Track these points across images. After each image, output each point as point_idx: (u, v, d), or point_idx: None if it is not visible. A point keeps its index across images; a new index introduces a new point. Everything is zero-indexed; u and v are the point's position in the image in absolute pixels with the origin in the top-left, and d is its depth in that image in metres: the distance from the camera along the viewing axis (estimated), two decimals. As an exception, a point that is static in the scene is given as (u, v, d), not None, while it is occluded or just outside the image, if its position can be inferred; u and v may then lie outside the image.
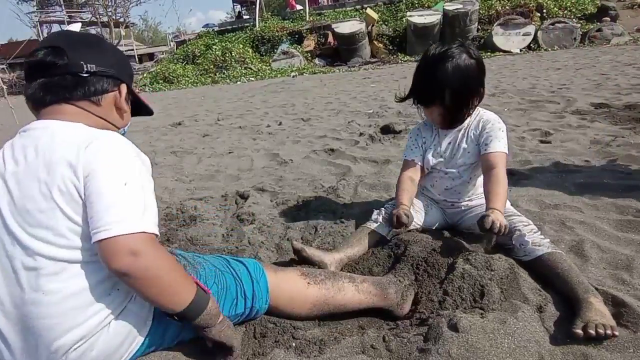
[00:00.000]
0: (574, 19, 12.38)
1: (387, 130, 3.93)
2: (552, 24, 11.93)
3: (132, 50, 28.28)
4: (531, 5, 12.98)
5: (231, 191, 2.65)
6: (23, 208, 0.93)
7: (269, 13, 19.03)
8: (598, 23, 12.07)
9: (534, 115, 4.04)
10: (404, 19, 13.76)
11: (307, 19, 16.03)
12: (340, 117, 5.05)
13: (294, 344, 1.20)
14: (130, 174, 0.96)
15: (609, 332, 1.10)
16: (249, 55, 15.07)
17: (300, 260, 1.56)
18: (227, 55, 14.97)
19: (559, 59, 9.02)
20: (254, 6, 19.14)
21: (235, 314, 1.20)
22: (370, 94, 6.86)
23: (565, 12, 12.92)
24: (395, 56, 13.23)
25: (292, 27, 15.68)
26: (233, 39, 16.38)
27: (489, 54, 11.51)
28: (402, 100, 1.79)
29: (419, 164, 1.82)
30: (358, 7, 16.09)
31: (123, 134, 1.14)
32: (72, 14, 28.60)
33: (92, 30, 26.50)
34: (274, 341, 1.21)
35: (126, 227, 0.88)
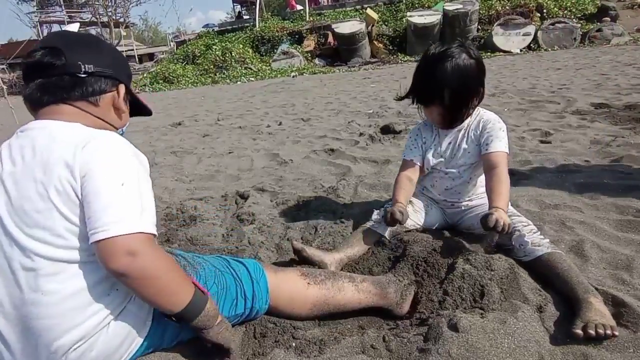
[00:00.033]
0: (574, 19, 12.38)
1: (387, 130, 3.92)
2: (552, 24, 11.93)
3: (132, 50, 28.29)
4: (531, 5, 12.98)
5: (231, 191, 2.65)
6: (20, 208, 0.93)
7: (269, 13, 19.03)
8: (598, 23, 12.07)
9: (534, 115, 4.04)
10: (404, 19, 13.76)
11: (307, 19, 16.03)
12: (340, 117, 5.05)
13: (294, 344, 1.20)
14: (127, 173, 0.95)
15: (609, 332, 1.10)
16: (249, 56, 15.07)
17: (300, 260, 1.56)
18: (227, 55, 14.96)
19: (559, 59, 9.02)
20: (254, 6, 19.15)
21: (235, 314, 1.20)
22: (370, 94, 6.86)
23: (565, 12, 12.92)
24: (395, 56, 13.23)
25: (292, 27, 15.68)
26: (233, 39, 16.37)
27: (489, 54, 11.51)
28: (401, 99, 1.79)
29: (418, 164, 1.82)
30: (358, 7, 16.09)
31: (121, 134, 1.14)
32: (72, 14, 28.61)
33: (92, 31, 26.53)
34: (274, 341, 1.21)
35: (124, 228, 0.88)
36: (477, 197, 1.80)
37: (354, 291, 1.33)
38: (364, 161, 3.12)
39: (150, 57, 28.39)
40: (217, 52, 15.30)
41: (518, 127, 3.64)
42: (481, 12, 13.01)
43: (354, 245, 1.67)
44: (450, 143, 1.77)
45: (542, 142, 3.15)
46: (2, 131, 6.16)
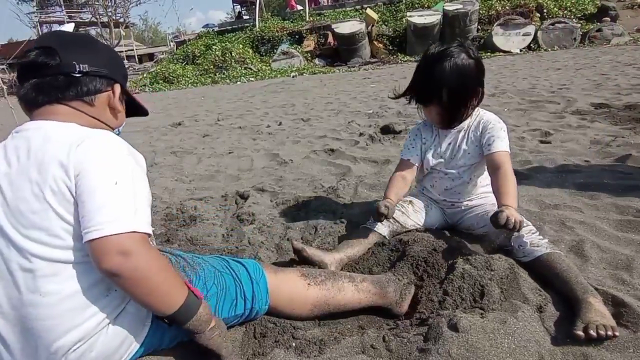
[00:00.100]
0: (574, 19, 12.37)
1: (387, 130, 3.92)
2: (552, 24, 11.93)
3: (132, 50, 28.29)
4: (531, 5, 12.98)
5: (231, 191, 2.65)
6: (16, 209, 0.92)
7: (269, 13, 19.02)
8: (598, 23, 12.07)
9: (534, 116, 4.04)
10: (404, 19, 13.75)
11: (307, 19, 16.03)
12: (340, 117, 5.05)
13: (294, 344, 1.20)
14: (122, 172, 0.95)
15: (610, 333, 1.10)
16: (249, 56, 15.07)
17: (300, 260, 1.56)
18: (227, 55, 14.96)
19: (559, 59, 9.02)
20: (254, 6, 19.14)
21: (234, 315, 1.20)
22: (370, 94, 6.86)
23: (565, 12, 12.91)
24: (395, 56, 13.22)
25: (292, 27, 15.68)
26: (233, 39, 16.37)
27: (489, 54, 11.51)
28: (398, 97, 1.79)
29: (415, 164, 1.83)
30: (358, 7, 16.08)
31: (118, 134, 1.13)
32: (72, 14, 28.62)
33: (92, 31, 26.53)
34: (274, 341, 1.21)
35: (118, 227, 0.87)
36: (477, 197, 1.80)
37: (354, 291, 1.32)
38: (364, 161, 3.12)
39: (150, 57, 28.40)
40: (217, 52, 15.29)
41: (518, 127, 3.64)
42: (481, 12, 13.00)
43: (354, 245, 1.67)
44: (450, 144, 1.78)
45: (542, 142, 3.15)
46: (2, 131, 6.16)
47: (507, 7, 13.07)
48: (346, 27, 13.05)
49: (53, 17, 28.94)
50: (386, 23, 14.59)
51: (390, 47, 13.84)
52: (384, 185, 2.47)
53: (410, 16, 12.87)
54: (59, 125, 1.01)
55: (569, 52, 10.34)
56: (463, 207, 1.81)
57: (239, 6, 26.66)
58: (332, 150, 3.50)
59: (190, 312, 0.97)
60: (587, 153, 2.77)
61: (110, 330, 0.98)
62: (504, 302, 1.27)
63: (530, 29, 11.90)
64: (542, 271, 1.41)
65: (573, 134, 3.25)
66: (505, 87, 5.92)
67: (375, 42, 13.82)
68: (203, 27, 21.72)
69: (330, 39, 14.24)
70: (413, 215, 1.80)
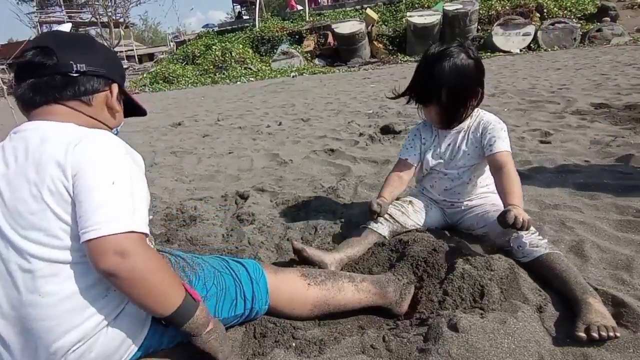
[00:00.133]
0: (574, 19, 12.38)
1: (387, 130, 3.93)
2: (552, 24, 11.94)
3: (132, 50, 28.29)
4: (531, 5, 12.98)
5: (231, 191, 2.65)
6: (15, 210, 0.92)
7: (269, 13, 19.03)
8: (598, 23, 12.07)
9: (534, 116, 4.04)
10: (403, 19, 13.76)
11: (307, 19, 16.03)
12: (340, 118, 5.05)
13: (294, 344, 1.20)
14: (119, 172, 0.94)
15: (611, 334, 1.10)
16: (249, 56, 15.07)
17: (300, 260, 1.56)
18: (227, 55, 14.96)
19: (559, 59, 9.02)
20: (253, 6, 19.14)
21: (234, 315, 1.20)
22: (370, 94, 6.87)
23: (565, 12, 12.91)
24: (395, 56, 13.22)
25: (292, 28, 15.68)
26: (233, 39, 16.38)
27: (488, 54, 11.51)
28: (397, 97, 1.80)
29: (413, 164, 1.84)
30: (358, 7, 16.09)
31: (116, 134, 1.13)
32: (72, 14, 28.61)
33: (92, 31, 26.51)
34: (274, 341, 1.21)
35: (115, 227, 0.87)
36: (477, 197, 1.80)
37: (354, 291, 1.32)
38: (363, 161, 3.12)
39: (150, 57, 28.40)
40: (216, 52, 15.30)
41: (518, 127, 3.64)
42: (481, 12, 13.01)
43: (354, 245, 1.67)
44: (449, 145, 1.78)
45: (542, 142, 3.15)
46: (2, 131, 6.16)
47: (507, 7, 13.07)
48: (346, 27, 13.05)
49: (53, 17, 28.94)
50: (386, 23, 14.60)
51: (390, 47, 13.84)
52: (384, 185, 2.48)
53: (410, 16, 12.87)
54: (56, 125, 1.00)
55: (568, 52, 10.34)
56: (463, 207, 1.81)
57: (239, 6, 26.66)
58: (332, 150, 3.50)
59: (187, 315, 0.97)
60: (587, 153, 2.78)
61: (109, 330, 0.98)
62: (504, 302, 1.27)
63: (530, 29, 11.90)
64: (541, 271, 1.41)
65: (573, 134, 3.25)
66: (505, 87, 5.92)
67: (375, 42, 13.82)
68: (203, 27, 21.74)
69: (330, 39, 14.25)
70: (413, 215, 1.80)
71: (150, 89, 14.08)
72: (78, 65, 1.02)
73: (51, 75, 1.01)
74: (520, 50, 11.72)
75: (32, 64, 1.00)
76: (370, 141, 3.70)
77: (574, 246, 1.61)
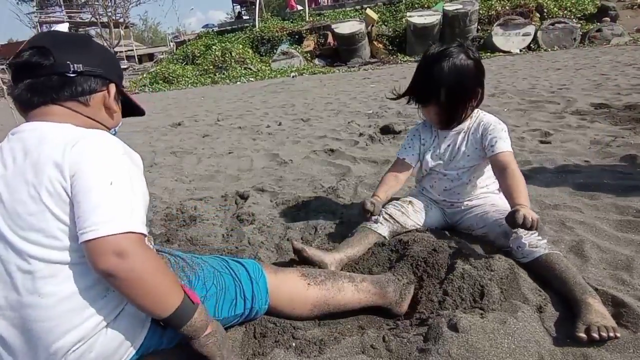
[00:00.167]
0: (574, 19, 12.38)
1: (386, 130, 3.93)
2: (552, 24, 11.94)
3: (132, 50, 28.27)
4: (531, 5, 12.99)
5: (231, 191, 2.65)
6: (14, 212, 0.92)
7: (269, 13, 19.03)
8: (598, 23, 12.08)
9: (533, 116, 4.04)
10: (403, 19, 13.76)
11: (307, 19, 16.03)
12: (340, 118, 5.05)
13: (294, 344, 1.20)
14: (117, 172, 0.94)
15: (611, 334, 1.10)
16: (249, 56, 15.07)
17: (300, 260, 1.55)
18: (227, 55, 14.97)
19: (559, 59, 9.03)
20: (253, 6, 19.14)
21: (234, 315, 1.20)
22: (370, 94, 6.87)
23: (565, 12, 12.92)
24: (395, 56, 13.23)
25: (292, 28, 15.68)
26: (233, 39, 16.38)
27: (488, 54, 11.51)
28: (397, 98, 1.80)
29: (411, 164, 1.84)
30: (358, 7, 16.09)
31: (114, 134, 1.12)
32: (72, 15, 28.61)
33: (92, 31, 26.50)
34: (274, 341, 1.21)
35: (113, 227, 0.86)
36: (476, 198, 1.80)
37: (354, 291, 1.32)
38: (363, 161, 3.12)
39: (150, 57, 28.38)
40: (216, 53, 15.30)
41: (518, 127, 3.64)
42: (481, 12, 13.01)
43: (354, 245, 1.67)
44: (449, 145, 1.78)
45: (542, 142, 3.15)
46: (2, 131, 6.16)
47: (507, 7, 13.08)
48: (346, 27, 13.06)
49: (53, 17, 28.93)
50: (386, 23, 14.60)
51: (390, 47, 13.85)
52: (384, 186, 2.48)
53: (410, 16, 12.88)
54: (54, 126, 1.00)
55: (568, 52, 10.34)
56: (463, 207, 1.81)
57: (238, 6, 26.65)
58: (332, 150, 3.50)
59: (185, 317, 0.96)
60: (587, 153, 2.78)
61: (109, 331, 0.98)
62: (503, 302, 1.27)
63: (530, 29, 11.91)
64: (541, 272, 1.41)
65: (573, 134, 3.25)
66: (505, 87, 5.92)
67: (375, 42, 13.82)
68: (203, 27, 21.76)
69: (330, 39, 14.25)
70: (413, 215, 1.80)
71: (150, 89, 14.08)
72: (75, 65, 1.02)
73: (48, 76, 1.01)
74: (520, 51, 11.72)
75: (29, 64, 1.00)
76: (370, 141, 3.70)
77: (574, 246, 1.61)
